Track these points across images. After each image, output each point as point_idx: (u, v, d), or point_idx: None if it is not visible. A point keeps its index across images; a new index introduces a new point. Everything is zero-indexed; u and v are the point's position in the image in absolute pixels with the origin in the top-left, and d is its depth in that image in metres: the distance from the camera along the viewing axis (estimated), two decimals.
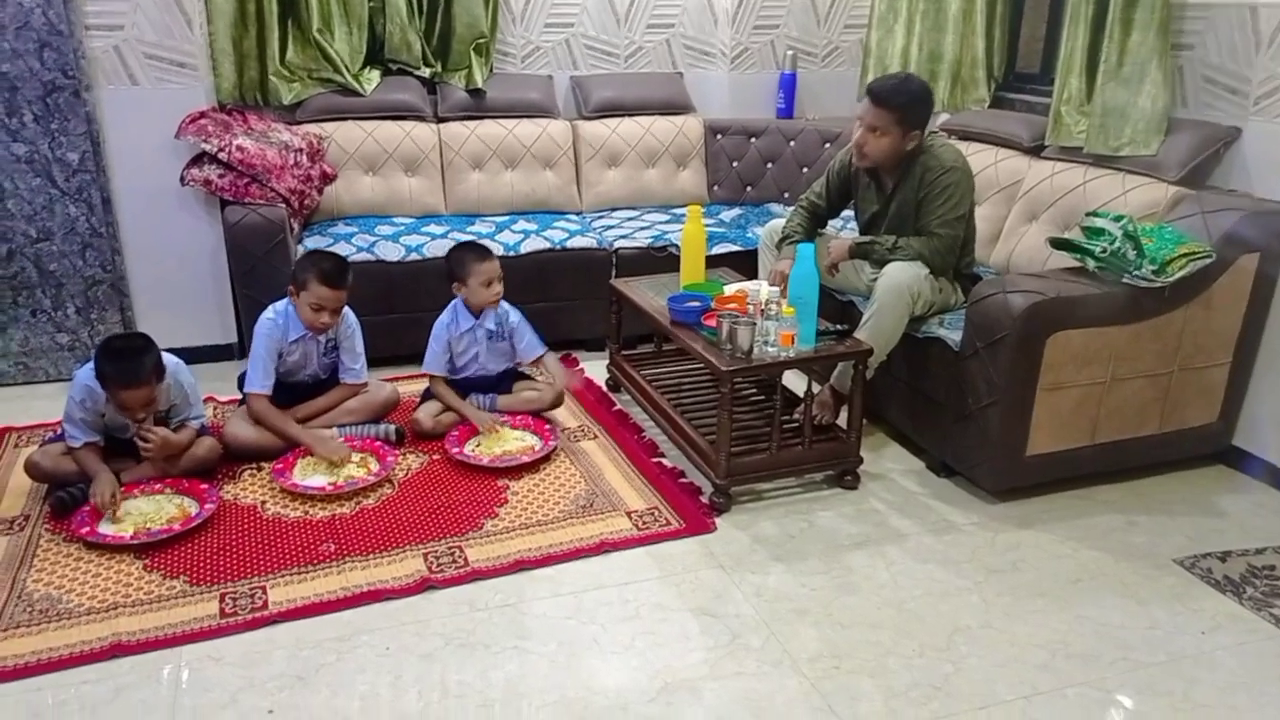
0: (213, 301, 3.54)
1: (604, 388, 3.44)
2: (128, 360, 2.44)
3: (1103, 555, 2.49)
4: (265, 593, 2.23)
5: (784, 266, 2.93)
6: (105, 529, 2.42)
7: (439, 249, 3.48)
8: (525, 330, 3.11)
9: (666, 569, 2.38)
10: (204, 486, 2.61)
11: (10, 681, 1.93)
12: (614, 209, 4.16)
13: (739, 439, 2.76)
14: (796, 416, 2.86)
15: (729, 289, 3.04)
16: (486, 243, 3.37)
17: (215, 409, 3.17)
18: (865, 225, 3.14)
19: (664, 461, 2.91)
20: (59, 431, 2.63)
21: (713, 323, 2.73)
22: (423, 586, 2.27)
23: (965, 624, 2.21)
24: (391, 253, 3.44)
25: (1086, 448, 2.73)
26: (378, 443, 2.89)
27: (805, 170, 4.28)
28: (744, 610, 2.23)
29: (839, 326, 2.82)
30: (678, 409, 3.00)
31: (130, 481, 2.59)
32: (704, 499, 2.70)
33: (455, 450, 2.85)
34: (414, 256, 3.45)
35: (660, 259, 3.69)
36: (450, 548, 2.43)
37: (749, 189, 4.36)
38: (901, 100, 2.81)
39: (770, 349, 2.62)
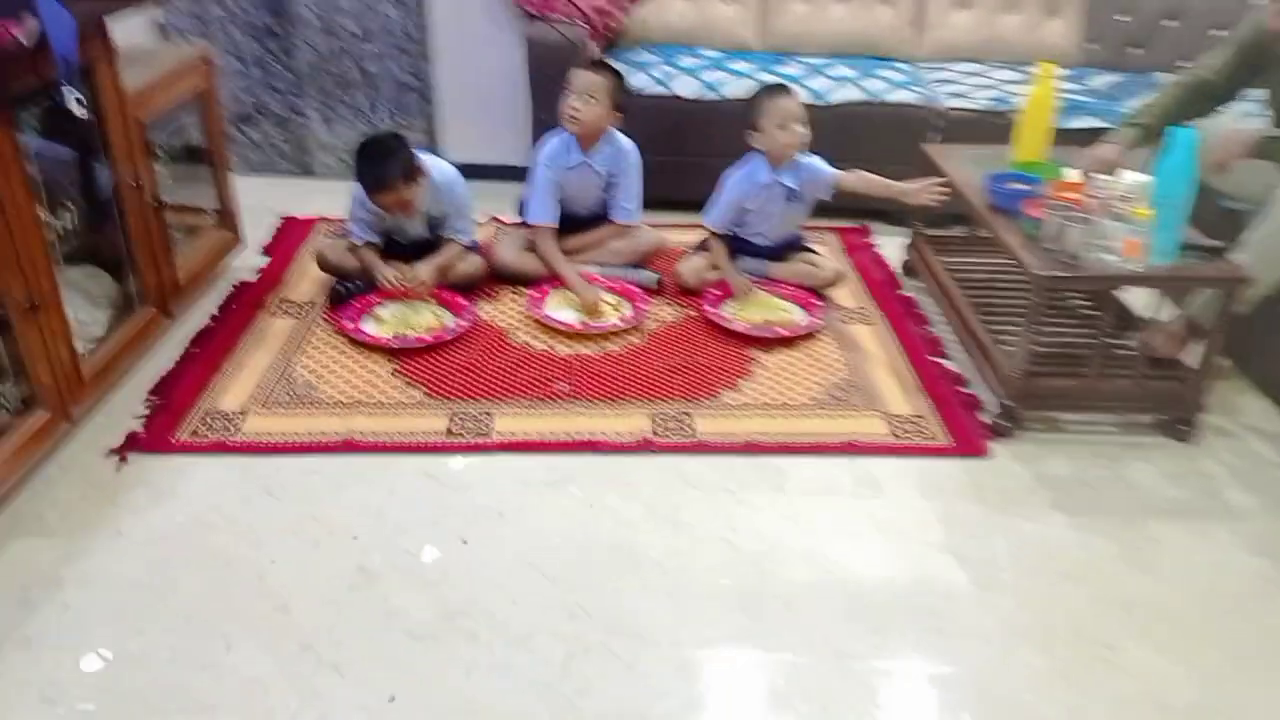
0: (511, 121, 3.50)
1: (896, 270, 3.01)
2: (373, 163, 2.48)
3: None
4: (491, 420, 2.20)
5: (1108, 152, 2.33)
6: (367, 328, 2.51)
7: (738, 89, 3.15)
8: (820, 163, 2.69)
9: (918, 489, 2.03)
10: (462, 303, 2.62)
11: (259, 455, 2.06)
12: (955, 60, 3.55)
13: (1048, 356, 2.27)
14: (1131, 343, 2.29)
15: (1070, 174, 2.45)
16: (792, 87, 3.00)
17: (496, 230, 3.18)
18: None
19: (945, 364, 2.49)
20: (348, 228, 2.74)
21: (1038, 213, 2.21)
22: (642, 447, 2.12)
23: None
24: (687, 88, 3.17)
25: None
26: (635, 288, 2.74)
27: (1216, 35, 3.36)
28: (1000, 558, 1.85)
29: (1212, 242, 2.17)
30: (976, 308, 2.53)
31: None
32: (984, 417, 2.27)
33: (710, 309, 2.62)
34: (710, 95, 3.16)
35: (999, 126, 3.09)
36: (680, 412, 2.24)
37: (1134, 51, 3.52)
38: None
39: (1108, 257, 2.06)
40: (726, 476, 2.05)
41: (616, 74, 2.68)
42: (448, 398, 2.27)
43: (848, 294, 2.83)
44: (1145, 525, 1.96)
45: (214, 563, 1.76)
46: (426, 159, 2.62)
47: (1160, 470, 2.13)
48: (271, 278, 2.82)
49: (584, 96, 2.61)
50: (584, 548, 1.84)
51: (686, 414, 2.24)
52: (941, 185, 2.53)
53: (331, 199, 3.37)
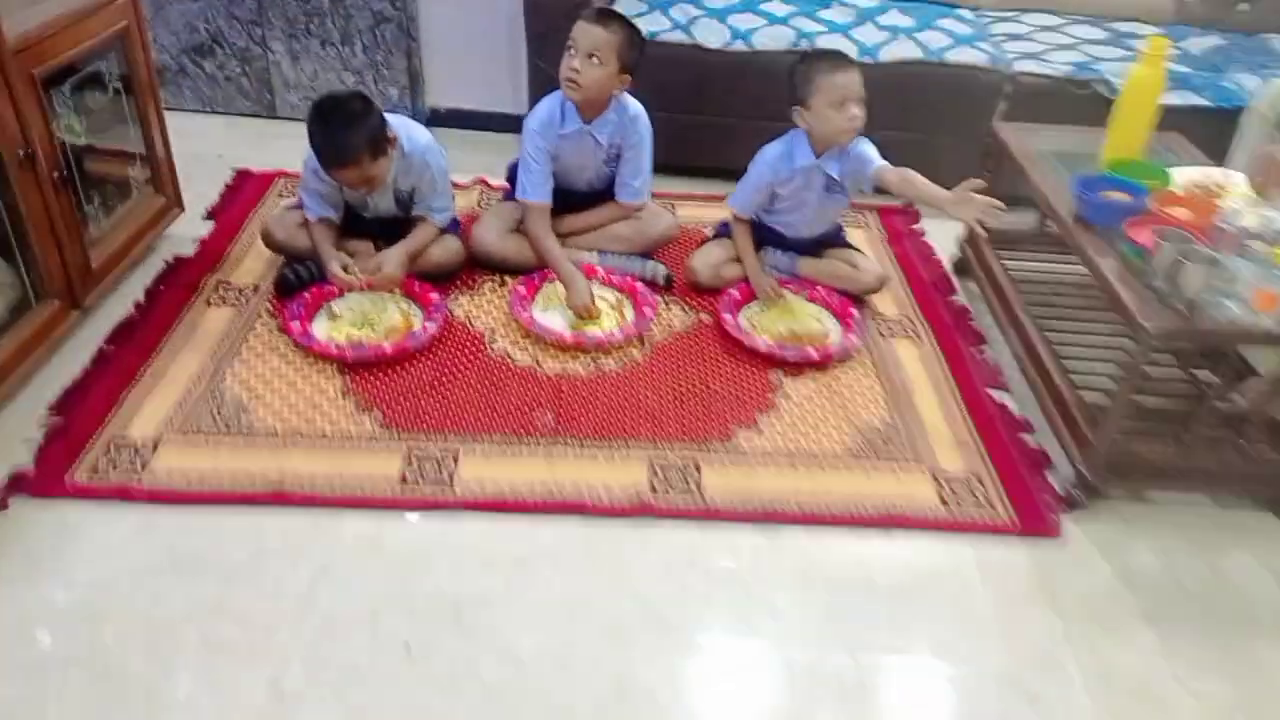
0: (506, 64, 3.02)
1: (947, 268, 2.57)
2: (333, 132, 2.03)
3: None
4: (456, 462, 1.81)
5: None
6: (317, 331, 2.11)
7: (772, 39, 2.67)
8: (868, 148, 2.21)
9: (970, 586, 1.65)
10: (434, 297, 2.21)
11: (168, 506, 1.67)
12: (1028, 10, 3.04)
13: (1137, 411, 1.86)
14: (1238, 399, 1.88)
15: (1180, 178, 2.00)
16: (837, 40, 2.52)
17: (481, 194, 2.74)
18: None
19: (1006, 402, 2.08)
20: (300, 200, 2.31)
21: (1144, 238, 1.76)
22: (638, 512, 1.74)
23: None
24: (712, 36, 2.68)
25: None
26: (641, 284, 2.31)
27: None
28: (1078, 699, 1.48)
29: None
30: (1047, 331, 2.11)
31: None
32: (1053, 480, 1.87)
33: (726, 316, 2.20)
34: (739, 45, 2.67)
35: (1081, 98, 2.61)
36: (685, 460, 1.85)
37: (1244, 5, 2.99)
38: None
39: (1230, 304, 1.63)
40: (741, 558, 1.67)
41: (629, 27, 2.19)
42: (405, 429, 1.88)
43: (889, 298, 2.41)
44: (1252, 646, 1.59)
45: (93, 674, 1.40)
46: (396, 122, 2.17)
47: (1269, 568, 1.75)
48: (212, 253, 2.40)
49: (588, 57, 2.14)
50: (556, 664, 1.47)
51: (693, 461, 1.85)
52: (998, 202, 2.00)
53: (295, 145, 2.84)
